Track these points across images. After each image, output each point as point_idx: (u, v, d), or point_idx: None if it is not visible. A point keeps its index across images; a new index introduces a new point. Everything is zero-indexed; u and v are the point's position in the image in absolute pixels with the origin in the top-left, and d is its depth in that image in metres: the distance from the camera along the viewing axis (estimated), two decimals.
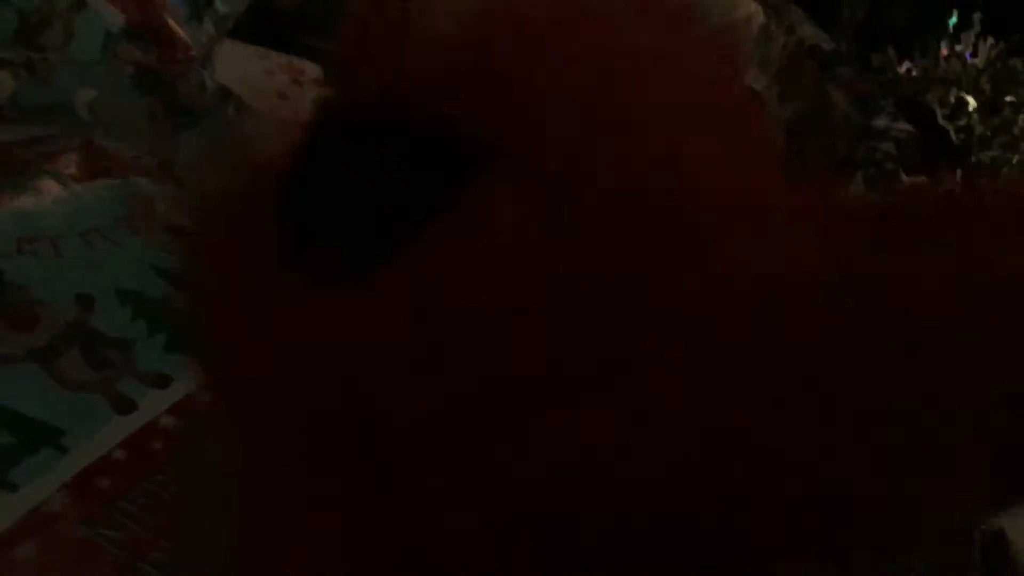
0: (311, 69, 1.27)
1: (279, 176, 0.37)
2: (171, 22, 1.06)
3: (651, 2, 0.39)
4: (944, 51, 1.10)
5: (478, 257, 0.33)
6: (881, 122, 0.97)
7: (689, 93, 0.37)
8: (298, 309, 0.36)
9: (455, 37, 0.36)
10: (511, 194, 0.34)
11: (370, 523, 0.36)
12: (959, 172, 1.02)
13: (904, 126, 0.98)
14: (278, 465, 0.38)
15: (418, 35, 0.37)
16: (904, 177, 1.01)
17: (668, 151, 0.35)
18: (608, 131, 0.35)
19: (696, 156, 0.35)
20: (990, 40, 1.07)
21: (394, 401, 0.35)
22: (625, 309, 0.34)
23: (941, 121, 1.05)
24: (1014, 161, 1.00)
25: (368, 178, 0.35)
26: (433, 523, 0.35)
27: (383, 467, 0.36)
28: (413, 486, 0.35)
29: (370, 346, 0.34)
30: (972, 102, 1.04)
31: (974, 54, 1.09)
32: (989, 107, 1.04)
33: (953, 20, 1.18)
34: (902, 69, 1.12)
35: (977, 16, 1.09)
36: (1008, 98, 1.03)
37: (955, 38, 1.10)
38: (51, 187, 0.88)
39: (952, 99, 1.06)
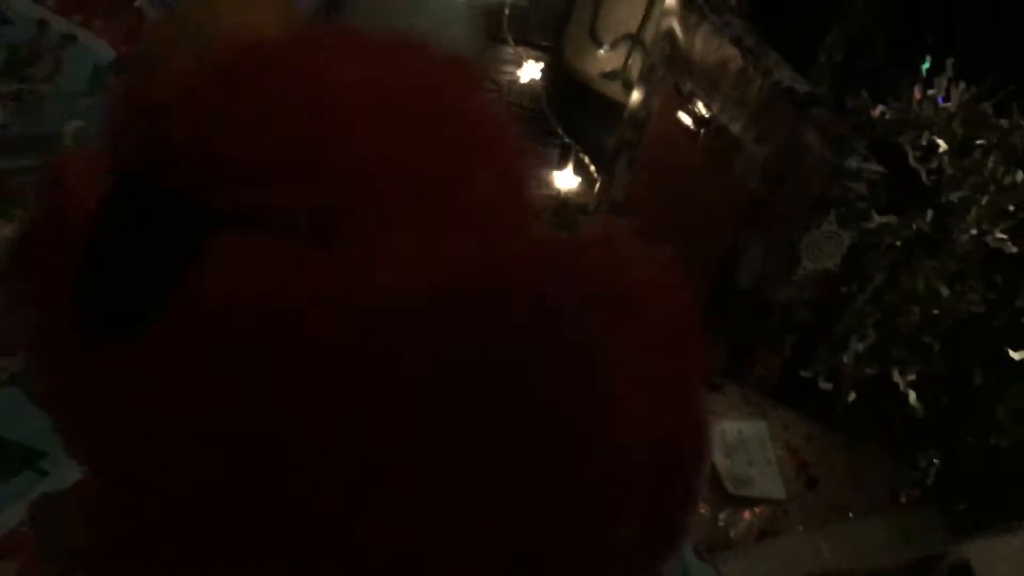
0: None
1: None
2: None
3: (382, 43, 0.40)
4: (917, 95, 1.12)
5: (211, 308, 0.35)
6: (853, 162, 0.99)
7: (416, 127, 0.38)
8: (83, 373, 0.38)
9: (171, 97, 0.37)
10: (240, 243, 0.35)
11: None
12: (929, 212, 1.04)
13: (876, 167, 1.00)
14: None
15: (139, 101, 0.39)
16: (876, 217, 1.03)
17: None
18: (332, 172, 0.36)
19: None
20: (962, 85, 1.10)
21: (166, 459, 0.37)
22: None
23: (913, 163, 1.07)
24: (983, 202, 1.02)
25: (122, 251, 0.38)
26: None
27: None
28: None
29: (142, 404, 0.37)
30: (943, 144, 1.06)
31: (946, 98, 1.11)
32: (960, 149, 1.06)
33: (926, 65, 1.20)
34: (876, 112, 1.14)
35: (950, 61, 1.11)
36: (978, 141, 1.05)
37: (928, 82, 1.13)
38: None
39: (924, 141, 1.08)
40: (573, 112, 1.48)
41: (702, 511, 0.93)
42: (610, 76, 1.47)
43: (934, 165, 1.06)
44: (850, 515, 1.00)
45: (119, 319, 0.37)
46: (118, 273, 0.38)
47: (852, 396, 1.01)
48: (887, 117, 1.11)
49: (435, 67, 0.40)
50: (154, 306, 0.36)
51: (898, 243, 1.03)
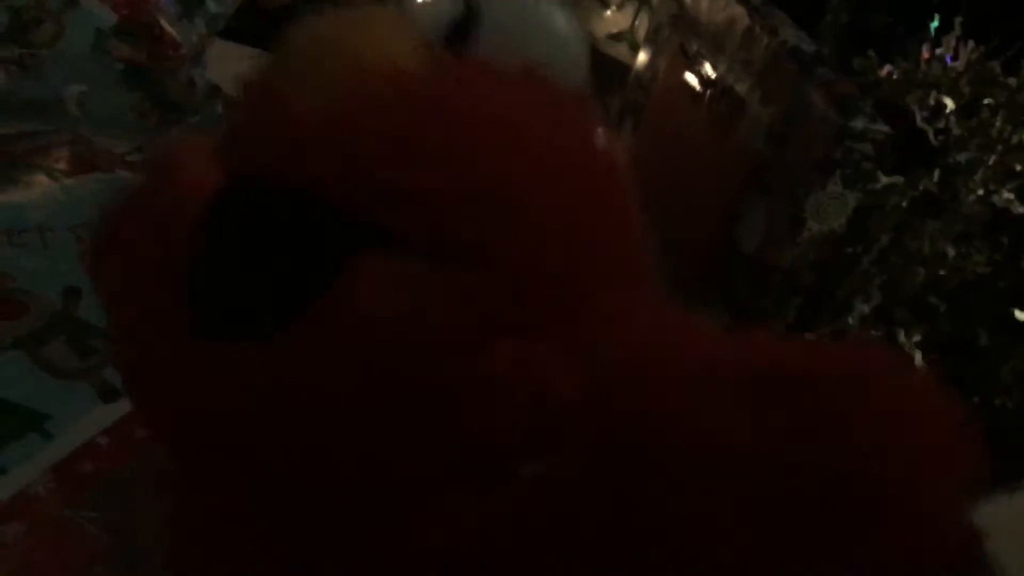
0: None
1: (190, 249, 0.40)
2: (162, 20, 1.07)
3: (512, 76, 0.42)
4: (925, 54, 1.11)
5: (353, 325, 0.36)
6: (859, 123, 0.98)
7: (555, 165, 0.40)
8: (203, 369, 0.39)
9: (327, 119, 0.39)
10: (386, 265, 0.36)
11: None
12: (936, 172, 1.03)
13: (881, 127, 0.99)
14: (204, 505, 0.42)
15: (290, 117, 0.39)
16: (882, 177, 1.03)
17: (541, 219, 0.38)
18: (481, 202, 0.38)
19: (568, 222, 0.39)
20: (970, 43, 1.09)
21: (290, 455, 0.38)
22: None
23: (920, 123, 1.06)
24: (990, 162, 1.01)
25: (260, 255, 0.39)
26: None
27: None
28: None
29: (270, 400, 0.38)
30: (951, 104, 1.05)
31: (954, 57, 1.10)
32: (967, 109, 1.05)
33: (935, 24, 1.19)
34: (883, 72, 1.13)
35: (958, 20, 1.10)
36: (986, 100, 1.05)
37: (936, 42, 1.12)
38: (41, 181, 0.90)
39: (932, 101, 1.07)
40: None
41: None
42: (616, 37, 1.46)
43: (941, 125, 1.05)
44: None
45: (251, 321, 0.38)
46: (258, 278, 0.38)
47: None
48: (894, 77, 1.10)
49: (560, 104, 0.42)
50: (289, 312, 0.37)
51: (904, 204, 1.02)
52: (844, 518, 0.36)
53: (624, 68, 1.42)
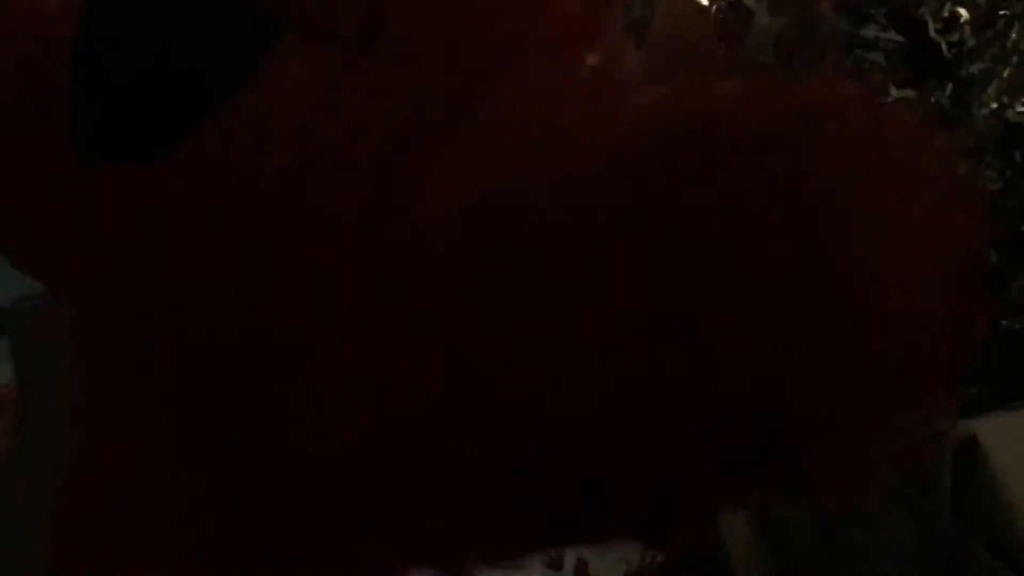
0: None
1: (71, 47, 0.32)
2: None
3: None
4: None
5: (269, 129, 0.30)
6: (870, 31, 0.95)
7: None
8: (96, 195, 0.32)
9: None
10: (301, 60, 0.31)
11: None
12: (949, 86, 1.00)
13: (893, 36, 0.96)
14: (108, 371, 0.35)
15: None
16: (893, 91, 1.00)
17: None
18: None
19: None
20: None
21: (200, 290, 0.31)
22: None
23: (933, 34, 1.03)
24: (1004, 74, 0.98)
25: (157, 51, 0.32)
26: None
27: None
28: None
29: (171, 225, 0.31)
30: (965, 14, 1.02)
31: None
32: (982, 20, 1.02)
33: None
34: None
35: None
36: (1001, 11, 1.01)
37: None
38: None
39: (946, 13, 1.04)
40: None
41: None
42: None
43: (955, 37, 1.02)
44: None
45: (146, 135, 0.31)
46: (155, 79, 0.31)
47: None
48: None
49: None
50: (194, 121, 0.31)
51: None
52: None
53: None
